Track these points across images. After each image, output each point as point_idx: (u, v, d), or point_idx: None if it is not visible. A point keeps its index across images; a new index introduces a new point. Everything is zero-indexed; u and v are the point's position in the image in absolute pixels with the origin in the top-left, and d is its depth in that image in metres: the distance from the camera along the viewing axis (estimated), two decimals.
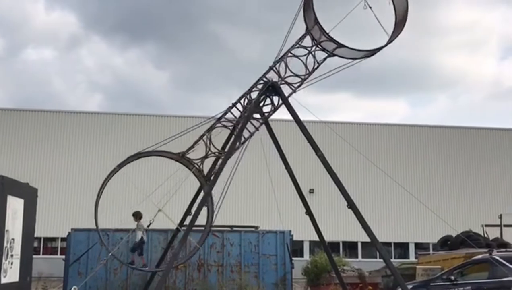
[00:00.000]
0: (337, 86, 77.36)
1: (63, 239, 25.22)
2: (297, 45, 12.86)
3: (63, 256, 18.49)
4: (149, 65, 79.64)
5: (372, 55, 13.20)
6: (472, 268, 13.34)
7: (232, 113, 12.88)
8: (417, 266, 16.95)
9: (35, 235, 13.71)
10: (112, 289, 17.22)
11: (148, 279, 15.79)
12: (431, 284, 13.31)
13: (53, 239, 31.20)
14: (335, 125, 31.78)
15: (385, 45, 12.85)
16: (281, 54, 12.83)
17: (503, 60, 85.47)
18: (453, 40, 75.69)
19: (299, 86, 12.74)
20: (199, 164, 12.52)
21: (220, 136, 12.97)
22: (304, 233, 24.64)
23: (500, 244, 18.66)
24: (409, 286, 12.86)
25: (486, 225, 22.78)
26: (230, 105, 12.75)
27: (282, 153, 13.59)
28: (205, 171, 12.90)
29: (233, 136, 12.58)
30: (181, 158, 12.49)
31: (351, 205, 11.03)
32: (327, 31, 12.48)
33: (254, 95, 12.82)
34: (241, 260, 17.78)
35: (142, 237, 14.40)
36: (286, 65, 12.76)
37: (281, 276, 17.61)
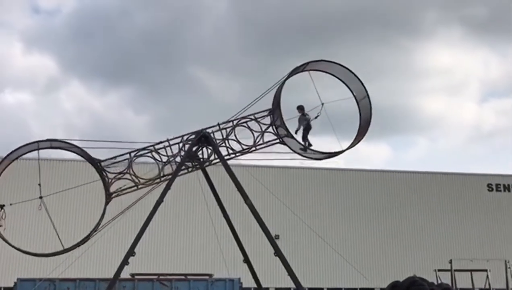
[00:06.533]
0: (322, 129, 77.48)
1: (7, 289, 24.28)
2: (252, 119, 13.14)
3: None
4: (128, 109, 79.28)
5: (326, 158, 13.48)
6: None
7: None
8: None
9: None
10: None
11: None
12: None
13: None
14: (290, 171, 31.75)
15: (344, 151, 13.10)
16: (234, 118, 13.05)
17: (483, 102, 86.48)
18: (433, 83, 76.81)
19: (238, 154, 12.97)
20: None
21: None
22: (271, 278, 24.68)
23: (444, 289, 18.58)
24: None
25: (438, 270, 22.89)
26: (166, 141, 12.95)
27: (219, 200, 13.53)
28: None
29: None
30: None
31: (278, 253, 10.93)
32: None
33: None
34: None
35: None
36: (234, 129, 13.01)
37: None
